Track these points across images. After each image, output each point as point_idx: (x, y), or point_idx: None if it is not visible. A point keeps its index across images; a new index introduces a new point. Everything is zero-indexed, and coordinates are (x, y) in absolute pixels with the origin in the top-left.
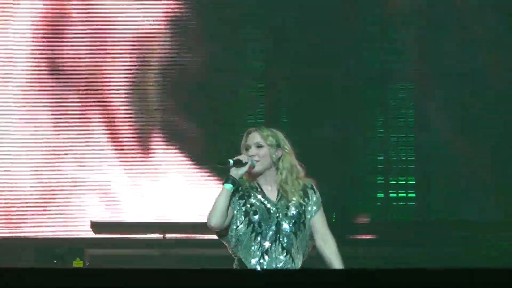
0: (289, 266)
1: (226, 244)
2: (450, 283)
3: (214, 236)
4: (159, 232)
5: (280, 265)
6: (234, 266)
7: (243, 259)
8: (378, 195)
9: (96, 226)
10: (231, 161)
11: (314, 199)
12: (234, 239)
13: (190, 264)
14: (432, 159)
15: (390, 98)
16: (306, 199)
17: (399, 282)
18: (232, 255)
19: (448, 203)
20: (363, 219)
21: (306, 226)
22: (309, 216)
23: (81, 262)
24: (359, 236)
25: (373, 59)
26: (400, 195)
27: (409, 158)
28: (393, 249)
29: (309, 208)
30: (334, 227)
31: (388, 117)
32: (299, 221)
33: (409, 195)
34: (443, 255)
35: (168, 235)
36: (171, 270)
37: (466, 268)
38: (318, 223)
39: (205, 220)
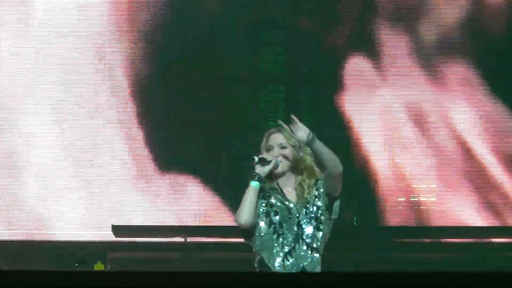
0: (314, 263)
1: (251, 245)
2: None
3: (235, 240)
4: (181, 236)
5: (306, 263)
6: (256, 265)
7: (266, 260)
8: (399, 199)
9: (118, 230)
10: (256, 157)
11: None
12: (258, 240)
13: (211, 268)
14: (454, 163)
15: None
16: (318, 183)
17: (398, 284)
18: (257, 256)
19: (469, 208)
20: (384, 223)
21: (324, 219)
22: (322, 190)
23: (103, 265)
24: (380, 240)
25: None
26: (421, 199)
27: (430, 162)
28: (413, 253)
29: (321, 182)
30: (355, 231)
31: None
32: (319, 216)
33: (430, 199)
34: (464, 260)
35: (189, 239)
36: (192, 273)
37: (467, 271)
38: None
39: (226, 223)
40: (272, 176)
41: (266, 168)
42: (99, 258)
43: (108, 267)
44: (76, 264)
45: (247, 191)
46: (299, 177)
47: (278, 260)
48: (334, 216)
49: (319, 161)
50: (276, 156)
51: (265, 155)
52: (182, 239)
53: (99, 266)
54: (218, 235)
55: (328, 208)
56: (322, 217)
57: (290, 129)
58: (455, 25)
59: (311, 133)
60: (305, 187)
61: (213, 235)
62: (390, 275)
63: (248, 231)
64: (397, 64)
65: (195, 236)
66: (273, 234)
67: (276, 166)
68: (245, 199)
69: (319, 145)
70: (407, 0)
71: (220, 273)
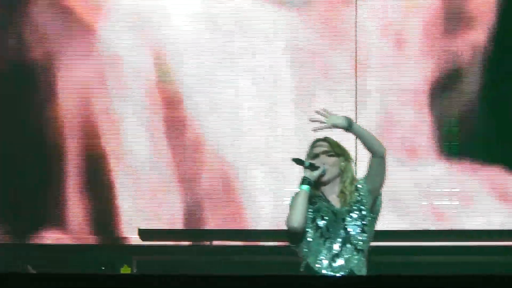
0: (361, 264)
1: (297, 250)
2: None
3: (260, 243)
4: (206, 239)
5: (353, 265)
6: (302, 269)
7: (311, 264)
8: (422, 203)
9: (144, 233)
10: (307, 162)
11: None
12: (305, 245)
13: (237, 271)
14: (476, 167)
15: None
16: (358, 187)
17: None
18: (303, 261)
19: (492, 211)
20: (406, 227)
21: (368, 220)
22: (364, 191)
23: (129, 268)
24: (401, 243)
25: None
26: (444, 203)
27: (453, 165)
28: (435, 257)
29: (361, 187)
30: (376, 235)
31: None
32: (363, 219)
33: (453, 203)
34: (485, 264)
35: (215, 242)
36: (218, 276)
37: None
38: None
39: (250, 227)
40: (318, 184)
41: (316, 173)
42: (125, 262)
43: (134, 270)
44: (103, 268)
45: (297, 195)
46: (341, 185)
47: (326, 263)
48: (376, 215)
49: (362, 144)
50: (323, 164)
51: (314, 161)
52: (208, 243)
53: (125, 270)
54: (244, 239)
55: (371, 207)
56: (366, 219)
57: (328, 121)
58: None
59: (347, 118)
60: (347, 193)
61: (239, 238)
62: (411, 278)
63: (297, 235)
64: None
65: (220, 239)
66: (320, 238)
67: (323, 173)
68: (296, 203)
69: (358, 128)
70: None
71: (245, 277)
